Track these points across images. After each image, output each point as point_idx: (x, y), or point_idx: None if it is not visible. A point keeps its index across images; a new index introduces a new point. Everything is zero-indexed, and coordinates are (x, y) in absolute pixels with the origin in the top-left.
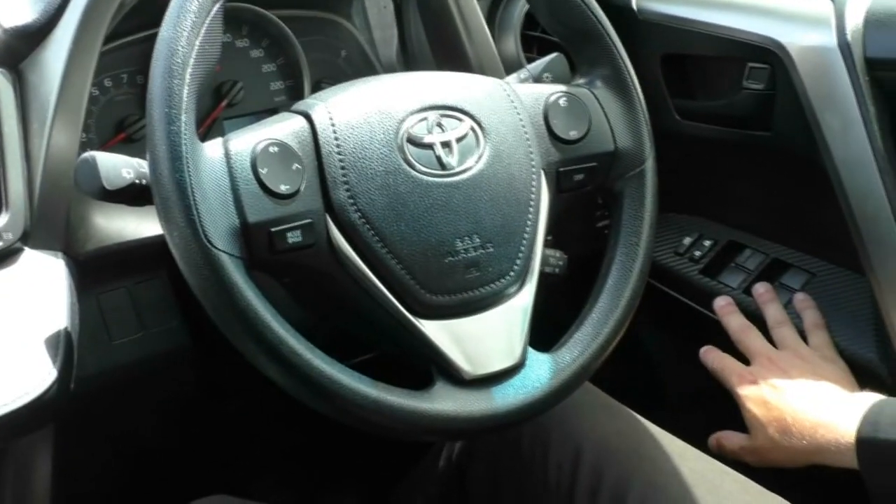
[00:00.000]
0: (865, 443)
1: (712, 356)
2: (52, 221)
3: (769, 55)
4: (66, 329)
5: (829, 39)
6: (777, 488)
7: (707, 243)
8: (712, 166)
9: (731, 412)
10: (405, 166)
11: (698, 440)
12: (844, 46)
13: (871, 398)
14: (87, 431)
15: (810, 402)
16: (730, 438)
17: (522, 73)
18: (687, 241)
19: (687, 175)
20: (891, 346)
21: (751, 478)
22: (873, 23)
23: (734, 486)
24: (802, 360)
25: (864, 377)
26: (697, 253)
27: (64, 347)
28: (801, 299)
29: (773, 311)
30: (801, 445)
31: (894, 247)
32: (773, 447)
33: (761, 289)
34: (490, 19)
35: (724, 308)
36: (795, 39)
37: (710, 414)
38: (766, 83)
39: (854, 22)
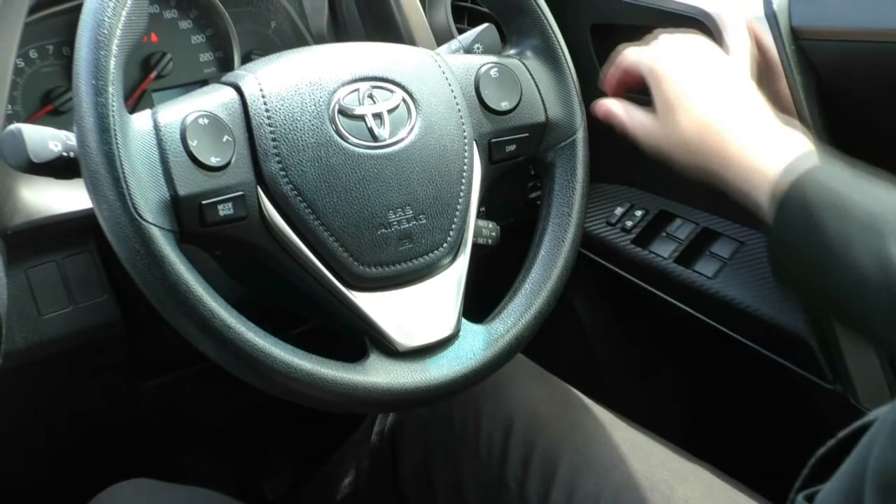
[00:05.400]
0: (787, 208)
1: (622, 56)
2: None
3: (698, 25)
4: None
5: (756, 9)
6: (708, 458)
7: (638, 213)
8: None
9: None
10: (337, 138)
11: (630, 410)
12: (771, 16)
13: (798, 139)
14: (15, 408)
15: (739, 126)
16: (627, 111)
17: (453, 44)
18: (618, 211)
19: (618, 145)
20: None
21: (682, 447)
22: None
23: (664, 455)
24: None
25: (793, 345)
26: (629, 223)
27: None
28: None
29: None
30: (710, 167)
31: None
32: (676, 145)
33: None
34: None
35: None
36: (724, 9)
37: (641, 383)
38: None
39: None
